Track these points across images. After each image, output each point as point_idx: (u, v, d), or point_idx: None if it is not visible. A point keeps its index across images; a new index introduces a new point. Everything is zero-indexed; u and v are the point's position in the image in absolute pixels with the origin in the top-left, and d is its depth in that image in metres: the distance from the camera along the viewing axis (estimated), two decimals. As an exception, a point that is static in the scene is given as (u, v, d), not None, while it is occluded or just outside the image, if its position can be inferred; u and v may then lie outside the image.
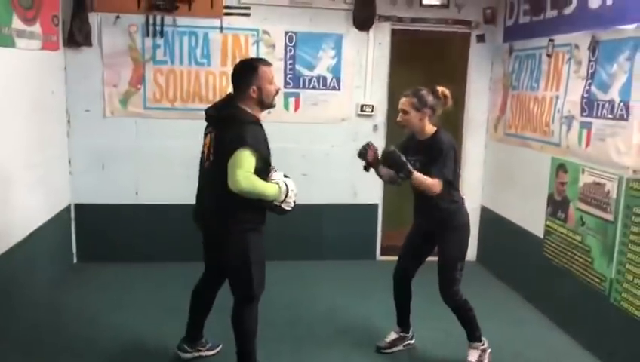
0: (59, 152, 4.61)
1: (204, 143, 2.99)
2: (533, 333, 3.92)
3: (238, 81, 2.95)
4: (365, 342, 3.65)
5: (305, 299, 4.32)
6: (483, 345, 3.41)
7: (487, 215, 5.24)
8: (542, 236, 4.23)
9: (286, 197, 2.88)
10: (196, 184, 3.07)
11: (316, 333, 3.79)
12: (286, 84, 4.94)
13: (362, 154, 3.25)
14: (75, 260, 4.91)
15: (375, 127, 5.15)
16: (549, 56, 4.16)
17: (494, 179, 5.14)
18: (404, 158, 3.08)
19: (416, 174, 3.08)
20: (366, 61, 5.06)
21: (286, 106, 4.98)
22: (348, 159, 5.16)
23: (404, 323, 3.60)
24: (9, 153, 3.61)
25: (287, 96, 4.96)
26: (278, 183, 2.90)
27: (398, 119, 3.26)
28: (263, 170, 2.86)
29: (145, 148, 4.88)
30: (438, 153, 3.12)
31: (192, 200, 3.09)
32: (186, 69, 4.83)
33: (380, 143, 5.19)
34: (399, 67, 5.29)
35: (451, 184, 3.19)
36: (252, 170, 2.77)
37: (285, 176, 2.98)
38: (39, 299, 4.01)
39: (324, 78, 5.02)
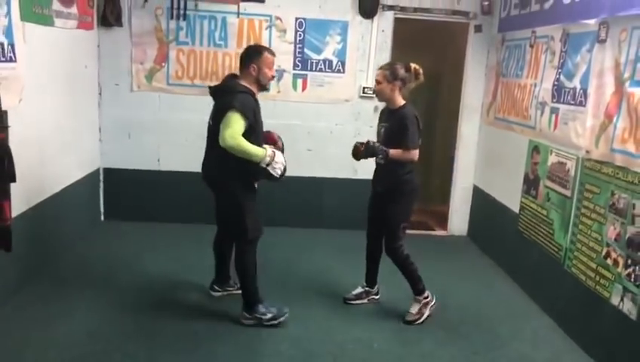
0: (90, 120, 5.20)
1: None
2: (498, 295, 4.39)
3: (244, 59, 3.48)
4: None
5: (301, 260, 4.82)
6: (426, 298, 3.78)
7: (477, 193, 5.65)
8: (517, 211, 4.63)
9: (272, 161, 3.33)
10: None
11: (308, 287, 4.28)
12: (295, 66, 5.42)
13: (355, 155, 3.72)
14: (102, 218, 5.52)
15: (375, 108, 5.52)
16: (531, 46, 4.53)
17: (485, 160, 5.52)
18: (377, 145, 3.60)
19: (392, 152, 3.58)
20: (369, 47, 5.48)
21: (294, 86, 5.46)
22: (350, 137, 5.63)
23: (370, 280, 4.06)
24: (45, 118, 4.13)
25: (295, 77, 5.44)
26: (265, 148, 3.38)
27: (373, 88, 3.75)
28: (250, 133, 3.31)
29: (167, 121, 5.44)
30: (405, 125, 3.56)
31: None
32: (205, 50, 5.35)
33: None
34: (401, 53, 5.67)
35: None
36: (240, 130, 3.24)
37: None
38: (69, 246, 4.60)
39: (330, 62, 5.46)
